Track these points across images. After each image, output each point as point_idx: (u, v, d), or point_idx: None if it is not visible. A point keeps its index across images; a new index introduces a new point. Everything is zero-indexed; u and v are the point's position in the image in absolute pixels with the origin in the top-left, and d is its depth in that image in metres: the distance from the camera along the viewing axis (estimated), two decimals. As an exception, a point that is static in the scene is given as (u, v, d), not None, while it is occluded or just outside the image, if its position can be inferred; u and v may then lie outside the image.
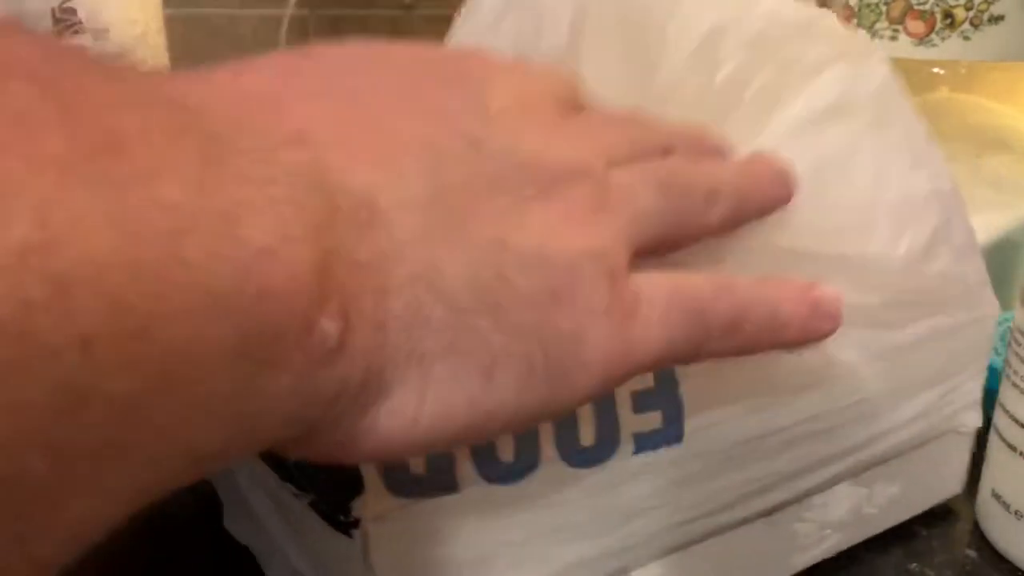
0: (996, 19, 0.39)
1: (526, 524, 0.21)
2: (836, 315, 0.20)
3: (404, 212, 0.15)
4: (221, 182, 0.12)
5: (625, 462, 0.22)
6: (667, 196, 0.19)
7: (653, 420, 0.22)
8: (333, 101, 0.16)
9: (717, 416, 0.23)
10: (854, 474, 0.27)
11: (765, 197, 0.21)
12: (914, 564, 0.28)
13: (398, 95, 0.17)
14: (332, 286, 0.13)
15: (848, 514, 0.27)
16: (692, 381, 0.22)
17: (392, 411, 0.15)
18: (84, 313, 0.10)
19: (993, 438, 0.28)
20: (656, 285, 0.18)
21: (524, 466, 0.20)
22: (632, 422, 0.22)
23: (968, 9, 0.39)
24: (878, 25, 0.41)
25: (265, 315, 0.12)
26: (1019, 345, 0.27)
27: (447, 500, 0.20)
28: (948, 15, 0.39)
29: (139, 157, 0.11)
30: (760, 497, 0.24)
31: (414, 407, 0.15)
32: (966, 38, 0.39)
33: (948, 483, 0.30)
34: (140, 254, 0.11)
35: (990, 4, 0.38)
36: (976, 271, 0.27)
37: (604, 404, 0.21)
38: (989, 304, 0.28)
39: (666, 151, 0.20)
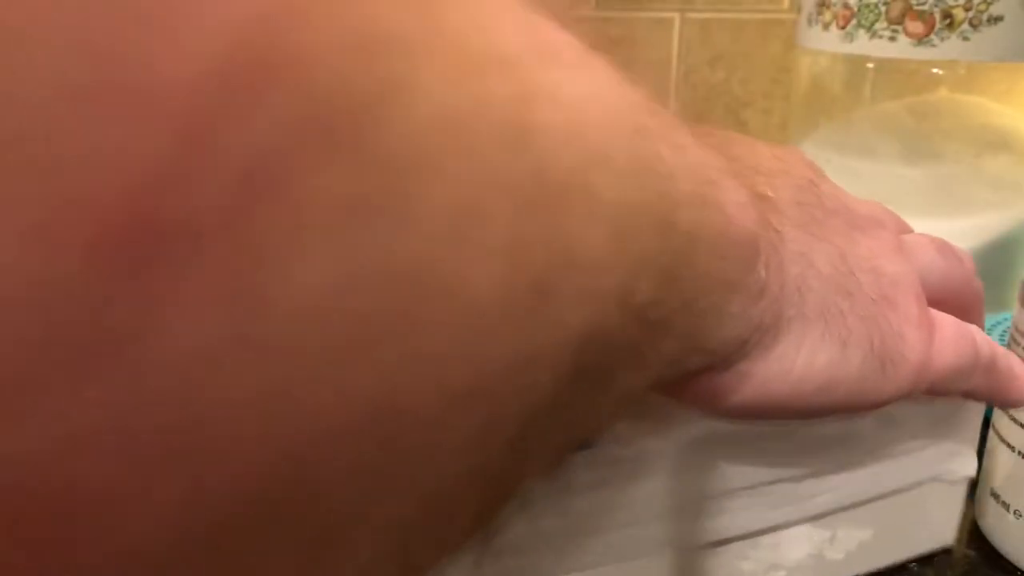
0: (995, 20, 0.39)
1: None
2: None
3: (787, 209, 0.19)
4: (707, 166, 0.16)
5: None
6: (945, 257, 0.22)
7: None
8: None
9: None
10: (813, 518, 0.25)
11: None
12: (913, 563, 0.28)
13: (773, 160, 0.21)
14: (762, 244, 0.17)
15: (807, 557, 0.25)
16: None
17: (776, 357, 0.18)
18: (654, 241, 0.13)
19: (992, 438, 0.28)
20: (943, 316, 0.21)
21: None
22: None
23: (967, 10, 0.39)
24: (877, 25, 0.41)
25: (735, 254, 0.16)
26: (1018, 345, 0.27)
27: None
28: (947, 16, 0.39)
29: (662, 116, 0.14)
30: (703, 524, 0.23)
31: (791, 357, 0.18)
32: (965, 38, 0.39)
33: (936, 532, 0.28)
34: (686, 212, 0.14)
35: (989, 5, 0.38)
36: None
37: None
38: None
39: None
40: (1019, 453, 0.27)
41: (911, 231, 0.24)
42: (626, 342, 0.13)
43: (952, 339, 0.21)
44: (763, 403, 0.18)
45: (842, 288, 0.19)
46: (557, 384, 0.11)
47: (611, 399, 0.14)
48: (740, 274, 0.16)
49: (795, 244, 0.18)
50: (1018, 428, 0.27)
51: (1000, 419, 0.28)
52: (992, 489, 0.28)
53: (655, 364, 0.15)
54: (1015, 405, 0.24)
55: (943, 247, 0.23)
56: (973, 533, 0.29)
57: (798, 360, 0.18)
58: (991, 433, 0.28)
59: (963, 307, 0.23)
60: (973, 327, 0.22)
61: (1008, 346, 0.27)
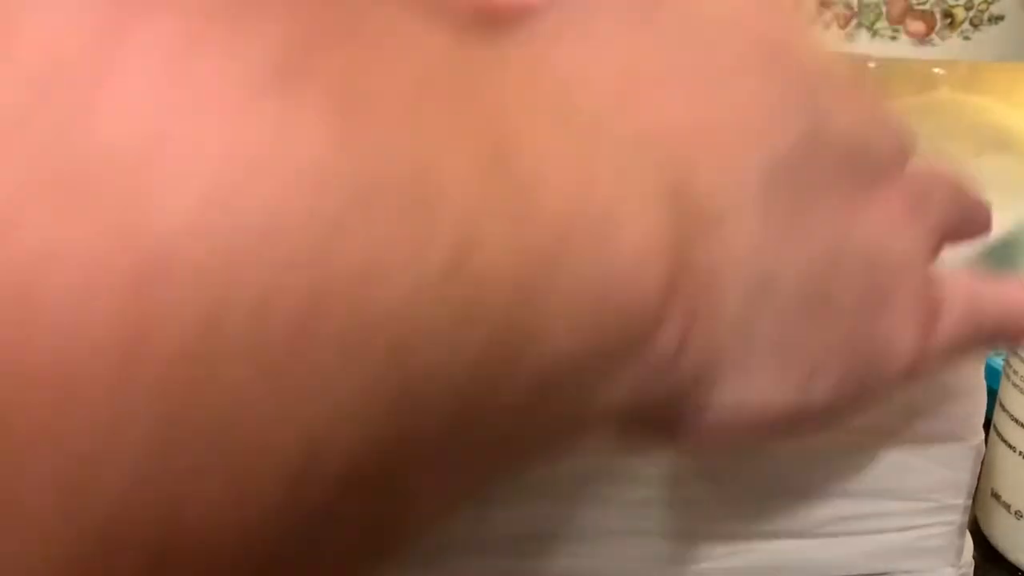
0: (996, 19, 0.39)
1: None
2: None
3: (744, 215, 0.14)
4: (597, 179, 0.12)
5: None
6: (961, 205, 0.19)
7: None
8: (683, 82, 0.15)
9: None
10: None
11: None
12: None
13: (742, 67, 0.16)
14: (678, 288, 0.13)
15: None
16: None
17: (714, 409, 0.15)
18: (480, 327, 0.10)
19: (993, 438, 0.28)
20: (955, 289, 0.18)
21: None
22: None
23: (968, 9, 0.39)
24: (878, 25, 0.41)
25: (619, 326, 0.12)
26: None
27: None
28: (948, 15, 0.39)
29: (528, 155, 0.11)
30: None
31: (734, 407, 0.15)
32: (966, 38, 0.39)
33: None
34: (530, 268, 0.11)
35: (990, 4, 0.38)
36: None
37: None
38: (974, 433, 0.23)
39: None
40: (1019, 453, 0.27)
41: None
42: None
43: (957, 320, 0.18)
44: (713, 441, 0.16)
45: (812, 307, 0.15)
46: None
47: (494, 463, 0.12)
48: (629, 346, 0.13)
49: (747, 268, 0.14)
50: (1018, 428, 0.27)
51: (1000, 419, 0.28)
52: (992, 489, 0.28)
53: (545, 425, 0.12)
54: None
55: (959, 191, 0.19)
56: (974, 533, 0.29)
57: (747, 402, 0.15)
58: (992, 434, 0.28)
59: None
60: (992, 287, 0.19)
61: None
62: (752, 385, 0.15)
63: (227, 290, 0.08)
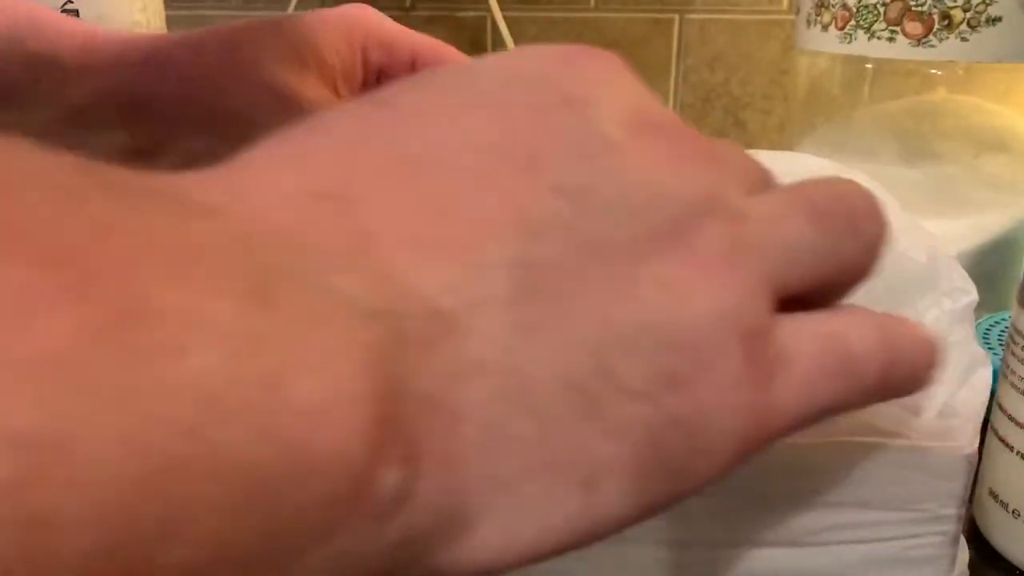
0: (994, 20, 0.39)
1: None
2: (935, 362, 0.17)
3: (484, 313, 0.12)
4: (265, 342, 0.10)
5: None
6: (821, 223, 0.15)
7: None
8: (407, 180, 0.13)
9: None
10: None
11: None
12: (912, 563, 0.28)
13: (487, 150, 0.14)
14: (394, 430, 0.11)
15: None
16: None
17: (476, 548, 0.13)
18: (76, 541, 0.08)
19: (990, 437, 0.28)
20: (803, 339, 0.15)
21: None
22: None
23: (966, 10, 0.39)
24: (876, 26, 0.41)
25: (309, 490, 0.10)
26: (1016, 345, 0.27)
27: None
28: (946, 16, 0.39)
29: (162, 325, 0.09)
30: None
31: (502, 539, 0.13)
32: (964, 39, 0.39)
33: None
34: (151, 459, 0.09)
35: (988, 5, 0.39)
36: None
37: None
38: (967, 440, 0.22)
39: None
40: (1018, 453, 0.27)
41: (770, 181, 0.17)
42: None
43: (805, 374, 0.15)
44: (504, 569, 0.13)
45: (581, 404, 0.13)
46: None
47: None
48: (323, 512, 0.11)
49: (491, 378, 0.12)
50: (1017, 428, 0.27)
51: (999, 419, 0.28)
52: (991, 489, 0.28)
53: None
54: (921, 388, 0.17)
55: (820, 211, 0.15)
56: (972, 533, 0.29)
57: (517, 537, 0.13)
58: (989, 434, 0.28)
59: (854, 282, 0.16)
60: (863, 325, 0.16)
61: (1006, 346, 0.27)
62: (523, 508, 0.13)
63: None
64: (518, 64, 0.15)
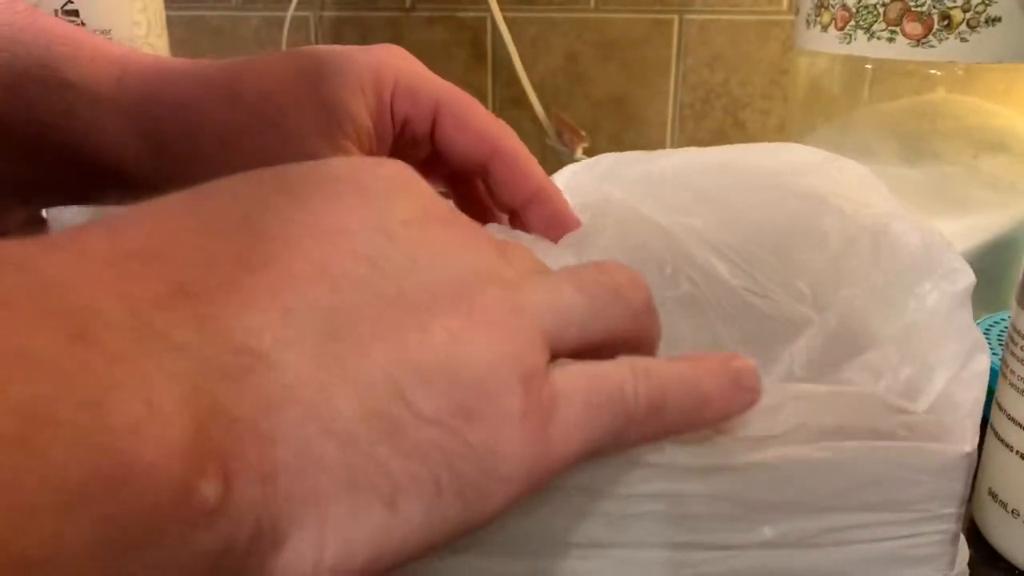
0: (993, 21, 0.39)
1: None
2: (756, 387, 0.20)
3: (292, 351, 0.14)
4: (86, 370, 0.12)
5: None
6: (587, 292, 0.18)
7: None
8: (221, 240, 0.15)
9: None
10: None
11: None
12: (911, 562, 0.28)
13: (295, 221, 0.16)
14: (210, 448, 0.13)
15: None
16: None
17: (290, 560, 0.14)
18: None
19: (990, 437, 0.28)
20: (573, 379, 0.17)
21: None
22: None
23: (965, 11, 0.39)
24: (876, 27, 0.41)
25: (132, 496, 0.12)
26: (1015, 345, 0.27)
27: None
28: (945, 17, 0.39)
29: None
30: None
31: (313, 551, 0.14)
32: (963, 39, 0.39)
33: None
34: None
35: (987, 6, 0.39)
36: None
37: None
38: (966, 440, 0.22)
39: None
40: (1017, 453, 0.27)
41: (542, 268, 0.20)
42: None
43: (580, 411, 0.17)
44: None
45: (381, 431, 0.15)
46: None
47: None
48: (145, 520, 0.12)
49: (299, 407, 0.14)
50: (1016, 428, 0.27)
51: (999, 419, 0.28)
52: (990, 489, 0.28)
53: None
54: (708, 425, 0.20)
55: (587, 283, 0.19)
56: (972, 533, 0.29)
57: (326, 551, 0.14)
58: (989, 433, 0.28)
59: (631, 344, 0.19)
60: (627, 369, 0.18)
61: (1006, 346, 0.28)
62: (329, 524, 0.14)
63: None
64: (330, 167, 0.18)
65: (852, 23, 0.42)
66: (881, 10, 0.41)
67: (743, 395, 0.20)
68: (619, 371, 0.18)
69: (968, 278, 0.24)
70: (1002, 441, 0.27)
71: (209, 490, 0.13)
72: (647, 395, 0.18)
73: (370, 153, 0.29)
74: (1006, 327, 0.29)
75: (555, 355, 0.18)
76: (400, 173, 0.19)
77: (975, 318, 0.24)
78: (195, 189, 0.17)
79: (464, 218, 0.19)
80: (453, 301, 0.16)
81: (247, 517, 0.13)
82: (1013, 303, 0.28)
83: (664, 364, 0.19)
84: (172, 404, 0.13)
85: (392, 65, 0.29)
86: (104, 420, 0.12)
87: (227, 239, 0.15)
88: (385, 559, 0.15)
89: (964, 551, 0.24)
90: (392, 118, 0.29)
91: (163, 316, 0.13)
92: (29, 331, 0.12)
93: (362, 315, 0.15)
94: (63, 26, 0.30)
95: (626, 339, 0.19)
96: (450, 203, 0.20)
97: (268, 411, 0.14)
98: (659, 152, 0.31)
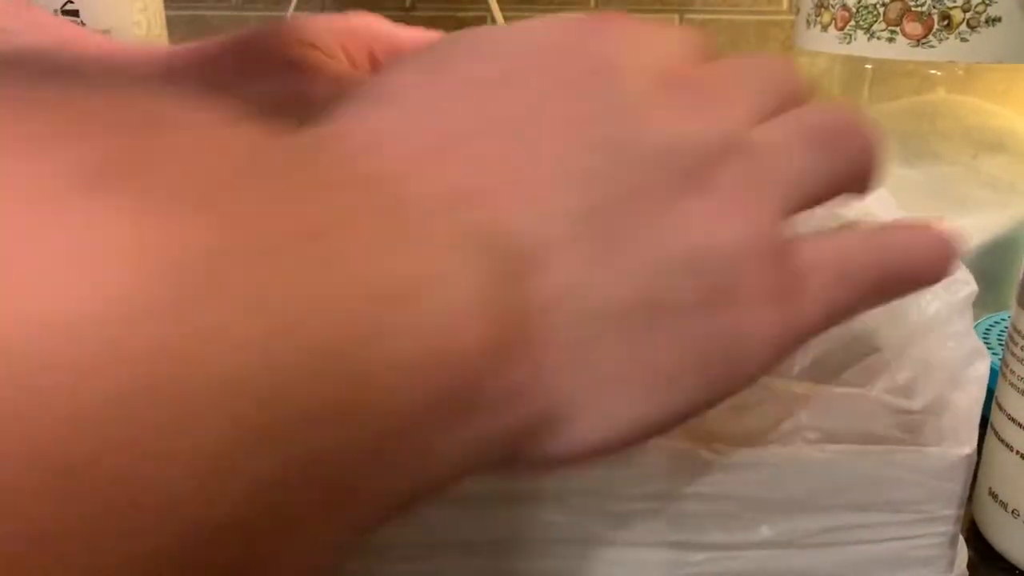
0: (993, 21, 0.39)
1: None
2: (957, 252, 0.20)
3: (562, 250, 0.15)
4: (404, 248, 0.13)
5: None
6: (823, 150, 0.18)
7: None
8: (486, 137, 0.16)
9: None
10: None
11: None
12: (911, 562, 0.28)
13: (539, 110, 0.16)
14: (508, 338, 0.14)
15: None
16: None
17: (561, 442, 0.15)
18: (302, 394, 0.11)
19: (990, 437, 0.28)
20: (822, 253, 0.18)
21: None
22: None
23: (965, 11, 0.39)
24: (875, 27, 0.41)
25: (448, 381, 0.13)
26: (1016, 345, 0.27)
27: None
28: (945, 17, 0.39)
29: (331, 239, 0.12)
30: None
31: (586, 433, 0.15)
32: (963, 40, 0.39)
33: None
34: (350, 331, 0.12)
35: (987, 6, 0.39)
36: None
37: None
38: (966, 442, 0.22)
39: (800, 93, 0.20)
40: (1017, 453, 0.27)
41: (780, 91, 0.19)
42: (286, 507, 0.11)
43: (826, 285, 0.17)
44: (590, 462, 0.16)
45: (652, 317, 0.16)
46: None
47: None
48: (456, 404, 0.14)
49: (577, 301, 0.15)
50: (1016, 428, 0.27)
51: (999, 419, 0.28)
52: (990, 489, 0.28)
53: (383, 496, 0.13)
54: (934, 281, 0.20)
55: (821, 140, 0.18)
56: (972, 533, 0.29)
57: (615, 425, 0.16)
58: (989, 433, 0.28)
59: (856, 186, 0.19)
60: (863, 242, 0.18)
61: (1006, 346, 0.28)
62: (616, 405, 0.16)
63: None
64: (542, 38, 0.18)
65: (852, 23, 0.42)
66: (881, 10, 0.41)
67: (949, 262, 0.19)
68: (857, 245, 0.18)
69: (969, 288, 0.24)
70: (1002, 441, 0.27)
71: (510, 379, 0.14)
72: (878, 269, 0.18)
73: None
74: (1006, 327, 0.29)
75: (790, 213, 0.18)
76: (623, 32, 0.18)
77: (975, 319, 0.24)
78: (420, 69, 0.17)
79: (686, 65, 0.18)
80: (693, 184, 0.16)
81: (541, 402, 0.15)
82: (1013, 303, 0.28)
83: (889, 233, 0.19)
84: (479, 297, 0.14)
85: (366, 23, 0.32)
86: (427, 300, 0.13)
87: (492, 138, 0.16)
88: (640, 439, 0.16)
89: (963, 553, 0.24)
90: (375, 70, 0.31)
91: (464, 213, 0.14)
92: (356, 229, 0.13)
93: (616, 206, 0.16)
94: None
95: (848, 191, 0.19)
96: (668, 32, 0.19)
97: (551, 304, 0.15)
98: None
